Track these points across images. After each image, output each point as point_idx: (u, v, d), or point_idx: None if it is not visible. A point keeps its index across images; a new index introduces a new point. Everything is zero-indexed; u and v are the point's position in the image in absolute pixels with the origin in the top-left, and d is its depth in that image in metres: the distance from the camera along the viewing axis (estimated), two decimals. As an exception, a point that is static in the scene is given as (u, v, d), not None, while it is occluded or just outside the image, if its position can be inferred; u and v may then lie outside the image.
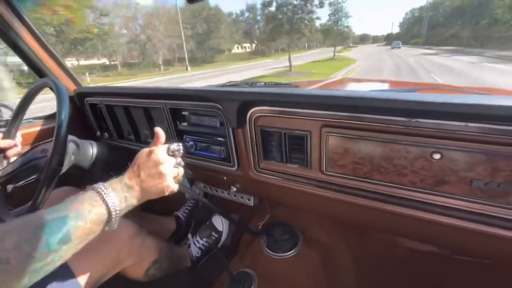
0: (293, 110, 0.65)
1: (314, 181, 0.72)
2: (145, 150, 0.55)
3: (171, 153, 0.56)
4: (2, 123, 1.01)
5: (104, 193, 0.45)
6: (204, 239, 1.06)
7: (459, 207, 0.54)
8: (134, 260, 0.78)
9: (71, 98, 1.16)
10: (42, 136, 1.09)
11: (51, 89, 1.07)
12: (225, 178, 0.94)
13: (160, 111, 0.92)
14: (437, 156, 0.52)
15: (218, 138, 0.86)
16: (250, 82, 1.07)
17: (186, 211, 1.23)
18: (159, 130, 0.57)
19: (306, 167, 0.71)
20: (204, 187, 1.11)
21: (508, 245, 0.56)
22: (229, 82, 1.16)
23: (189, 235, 1.09)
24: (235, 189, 0.95)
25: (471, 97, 0.48)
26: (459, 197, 0.54)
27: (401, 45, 48.94)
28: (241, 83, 1.11)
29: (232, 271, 0.91)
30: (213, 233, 1.10)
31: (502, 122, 0.45)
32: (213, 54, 36.35)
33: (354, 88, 1.41)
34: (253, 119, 0.73)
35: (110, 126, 1.13)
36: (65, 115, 0.63)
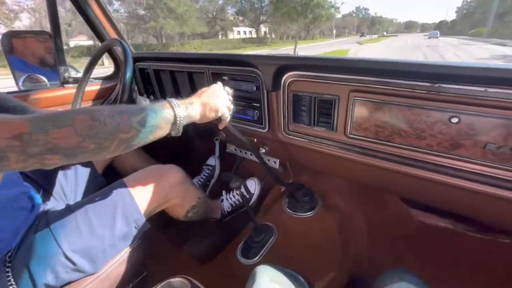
0: (325, 75, 0.72)
1: (338, 143, 0.79)
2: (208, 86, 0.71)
3: (225, 90, 0.72)
4: (71, 80, 1.19)
5: (172, 102, 0.58)
6: (237, 197, 1.21)
7: (472, 170, 0.60)
8: (178, 201, 0.92)
9: (124, 62, 1.32)
10: (101, 94, 1.26)
11: (109, 52, 1.23)
12: (255, 140, 1.04)
13: (202, 76, 1.02)
14: (455, 120, 0.57)
15: (253, 103, 0.96)
16: (286, 54, 1.14)
17: (202, 178, 1.42)
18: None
19: (332, 130, 0.78)
20: (235, 149, 1.23)
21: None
22: (268, 54, 1.24)
23: (223, 192, 1.24)
24: (264, 151, 1.05)
25: (493, 64, 0.52)
26: (472, 160, 0.59)
27: (438, 35, 47.17)
28: (276, 54, 1.18)
29: (257, 222, 1.04)
30: (245, 193, 1.24)
31: None
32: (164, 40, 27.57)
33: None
34: (287, 84, 0.81)
35: (155, 89, 1.27)
36: (130, 68, 0.76)
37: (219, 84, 0.74)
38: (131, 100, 0.83)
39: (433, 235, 1.04)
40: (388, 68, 0.61)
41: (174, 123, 0.57)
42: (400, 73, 0.60)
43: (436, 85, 0.57)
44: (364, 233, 1.07)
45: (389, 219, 1.10)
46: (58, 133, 0.39)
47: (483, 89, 0.53)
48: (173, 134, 0.59)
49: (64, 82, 1.18)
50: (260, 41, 39.87)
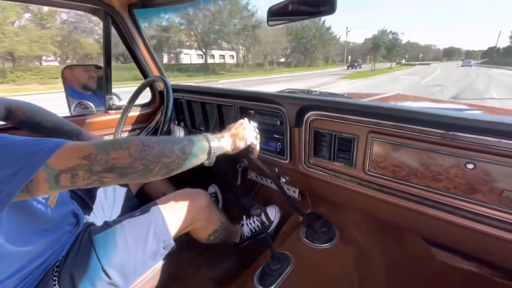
0: (345, 116, 0.79)
1: (356, 179, 0.83)
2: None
3: (251, 124, 0.81)
4: (114, 107, 1.34)
5: (208, 136, 0.66)
6: (257, 223, 1.25)
7: (489, 215, 0.61)
8: (203, 224, 0.98)
9: (160, 93, 1.47)
10: (140, 119, 1.41)
11: (150, 86, 1.38)
12: (276, 170, 1.10)
13: (230, 109, 1.13)
14: (470, 166, 0.60)
15: (276, 135, 1.03)
16: (307, 91, 1.23)
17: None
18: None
19: (351, 166, 0.83)
20: (256, 176, 1.29)
21: None
22: (287, 89, 1.33)
23: (244, 217, 1.30)
24: (284, 180, 1.11)
25: (505, 118, 0.56)
26: (489, 205, 0.60)
27: (472, 64, 46.53)
28: (298, 91, 1.27)
29: (275, 250, 1.07)
30: (265, 220, 1.28)
31: None
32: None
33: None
34: (309, 121, 0.88)
35: (186, 117, 1.39)
36: (171, 104, 0.87)
37: (245, 119, 0.82)
38: (169, 130, 0.94)
39: (456, 277, 1.00)
40: (402, 115, 0.67)
41: (209, 153, 0.65)
42: (414, 120, 0.65)
43: (450, 132, 0.61)
44: (383, 270, 1.05)
45: (410, 257, 1.08)
46: (116, 154, 0.48)
47: (496, 139, 0.56)
48: (207, 163, 0.67)
49: (109, 109, 1.34)
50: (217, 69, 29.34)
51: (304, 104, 0.86)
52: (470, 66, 43.53)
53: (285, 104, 0.91)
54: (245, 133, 0.76)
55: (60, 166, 0.44)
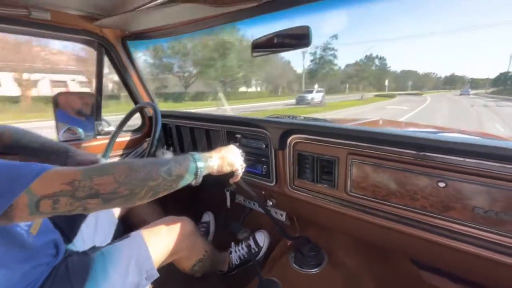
0: (326, 139, 0.83)
1: (339, 200, 0.85)
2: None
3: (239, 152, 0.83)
4: (103, 132, 1.36)
5: (194, 155, 0.67)
6: (245, 250, 1.22)
7: (464, 232, 0.63)
8: (187, 253, 0.96)
9: (150, 118, 1.50)
10: (129, 145, 1.42)
11: (141, 113, 1.41)
12: (263, 192, 1.11)
13: (218, 133, 1.16)
14: (442, 185, 0.63)
15: (261, 158, 1.06)
16: (292, 116, 1.28)
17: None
18: None
19: (333, 187, 0.85)
20: (244, 200, 1.29)
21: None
22: (273, 115, 1.39)
23: (232, 244, 1.26)
24: (271, 203, 1.11)
25: (469, 138, 0.61)
26: (463, 222, 0.63)
27: (470, 92, 45.70)
28: (283, 116, 1.33)
29: (262, 278, 1.04)
30: (254, 246, 1.25)
31: (494, 159, 0.57)
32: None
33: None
34: (292, 144, 0.91)
35: (175, 142, 1.41)
36: (159, 128, 0.90)
37: (234, 145, 0.84)
38: (155, 153, 0.95)
39: None
40: (376, 137, 0.71)
41: (196, 173, 0.65)
42: (388, 141, 0.70)
43: (421, 153, 0.65)
44: (373, 296, 1.03)
45: (399, 281, 1.07)
46: (100, 180, 0.48)
47: (462, 159, 0.60)
48: (194, 184, 0.67)
49: (98, 134, 1.35)
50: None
51: (287, 128, 0.90)
52: (469, 94, 41.58)
53: (269, 128, 0.95)
54: (233, 158, 0.78)
55: (41, 192, 0.44)
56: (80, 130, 1.41)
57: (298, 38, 0.78)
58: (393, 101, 27.60)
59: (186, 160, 0.64)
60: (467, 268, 0.74)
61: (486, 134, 1.29)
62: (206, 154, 0.71)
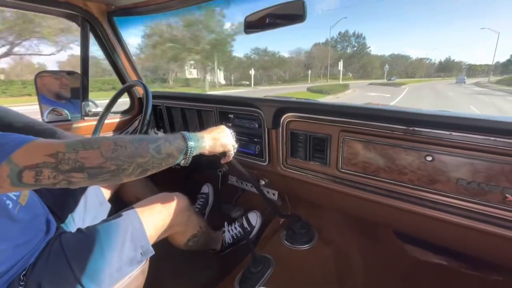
0: (318, 116, 0.83)
1: (331, 177, 0.87)
2: None
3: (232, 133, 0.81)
4: (91, 113, 1.32)
5: (185, 135, 0.65)
6: (238, 229, 1.25)
7: (448, 203, 0.67)
8: (181, 229, 0.97)
9: (139, 99, 1.46)
10: (119, 126, 1.38)
11: (129, 93, 1.37)
12: (256, 172, 1.12)
13: (210, 113, 1.15)
14: (429, 159, 0.66)
15: (255, 138, 1.06)
16: (284, 97, 1.28)
17: (197, 207, 1.46)
18: None
19: (325, 165, 0.87)
20: (236, 181, 1.30)
21: (494, 242, 0.67)
22: (266, 96, 1.39)
23: (225, 223, 1.28)
24: (264, 183, 1.13)
25: (455, 112, 0.63)
26: (448, 194, 0.66)
27: (465, 80, 40.92)
28: (276, 97, 1.33)
29: (255, 253, 1.07)
30: (246, 226, 1.28)
31: (478, 132, 0.59)
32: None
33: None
34: (285, 123, 0.92)
35: (166, 124, 1.39)
36: (150, 108, 0.88)
37: (228, 125, 0.83)
38: (146, 133, 0.93)
39: (428, 271, 1.05)
40: (369, 113, 0.73)
41: (185, 153, 0.63)
42: (379, 117, 0.71)
43: (411, 128, 0.67)
44: (361, 269, 1.08)
45: (385, 255, 1.13)
46: (86, 153, 0.46)
47: (448, 132, 0.63)
48: (182, 163, 0.66)
49: (85, 115, 1.31)
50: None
51: (281, 106, 0.90)
52: (464, 82, 37.69)
53: (263, 107, 0.95)
54: (226, 140, 0.76)
55: (24, 162, 0.43)
56: (66, 111, 1.37)
57: (292, 14, 0.77)
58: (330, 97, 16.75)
59: (176, 138, 0.63)
60: (450, 238, 0.79)
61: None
62: (198, 134, 0.70)
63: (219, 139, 0.75)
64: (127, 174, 0.52)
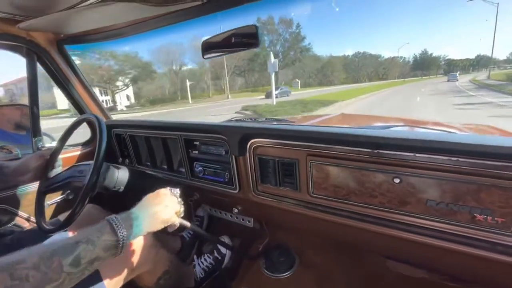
0: (284, 141, 0.80)
1: (303, 202, 0.83)
2: (153, 192, 0.68)
3: (172, 194, 0.71)
4: (44, 149, 1.20)
5: (114, 223, 0.53)
6: (209, 261, 1.15)
7: (419, 224, 0.65)
8: (149, 268, 0.86)
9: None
10: (81, 160, 1.28)
11: (90, 124, 1.28)
12: (227, 200, 1.06)
13: (175, 141, 1.08)
14: (397, 181, 0.64)
15: (223, 165, 1.01)
16: (253, 118, 1.25)
17: (191, 232, 1.33)
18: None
19: (296, 190, 0.83)
20: (210, 209, 1.23)
21: (468, 261, 0.65)
22: (234, 117, 1.34)
23: (195, 256, 1.18)
24: (237, 210, 1.07)
25: (418, 133, 0.61)
26: (418, 215, 0.64)
27: (458, 77, 38.70)
28: (245, 118, 1.29)
29: (230, 286, 0.99)
30: (217, 255, 1.19)
31: (441, 153, 0.58)
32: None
33: (346, 125, 1.57)
34: (252, 149, 0.87)
35: (131, 153, 1.30)
36: (104, 146, 0.80)
37: (167, 190, 0.71)
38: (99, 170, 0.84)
39: (412, 286, 1.03)
40: (334, 138, 0.70)
41: (116, 247, 0.52)
42: (344, 141, 0.69)
43: (376, 151, 0.65)
44: (344, 292, 1.04)
45: (368, 273, 1.09)
46: None
47: (412, 154, 0.61)
48: (114, 257, 0.54)
49: (38, 150, 1.19)
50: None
51: (245, 132, 0.86)
52: (457, 80, 34.90)
53: (227, 133, 0.90)
54: (166, 213, 0.64)
55: None
56: (16, 148, 1.24)
57: (248, 38, 0.74)
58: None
59: (102, 233, 0.51)
60: (425, 257, 0.77)
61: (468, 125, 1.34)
62: (131, 215, 0.58)
63: (159, 216, 0.63)
64: None
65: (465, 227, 0.59)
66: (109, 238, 0.52)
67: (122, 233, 0.53)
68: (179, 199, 0.73)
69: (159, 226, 0.64)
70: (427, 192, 0.61)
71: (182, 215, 0.73)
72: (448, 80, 36.93)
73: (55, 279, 0.42)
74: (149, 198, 0.66)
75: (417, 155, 0.61)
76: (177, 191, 0.73)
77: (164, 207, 0.65)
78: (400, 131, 0.65)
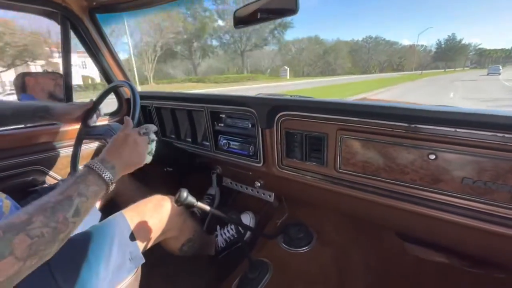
0: (314, 115, 0.79)
1: (329, 178, 0.83)
2: (120, 134, 0.67)
3: (142, 134, 0.69)
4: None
5: (95, 167, 0.56)
6: (231, 232, 1.20)
7: (452, 203, 0.63)
8: (175, 234, 0.92)
9: (127, 101, 1.40)
10: None
11: (115, 92, 1.31)
12: (250, 173, 1.08)
13: (201, 114, 1.10)
14: (432, 157, 0.62)
15: (248, 138, 1.01)
16: (278, 95, 1.24)
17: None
18: (128, 119, 0.71)
19: (323, 165, 0.83)
20: (231, 182, 1.26)
21: (499, 242, 0.64)
22: (259, 93, 1.34)
23: (218, 227, 1.23)
24: (259, 184, 1.08)
25: (459, 108, 0.59)
26: (452, 193, 0.63)
27: (501, 70, 34.32)
28: (270, 95, 1.28)
29: (252, 258, 1.03)
30: (240, 228, 1.23)
31: (485, 128, 0.56)
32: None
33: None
34: (279, 122, 0.87)
35: (156, 125, 1.33)
36: (138, 108, 0.82)
37: (135, 130, 0.68)
38: None
39: (429, 270, 1.03)
40: (368, 110, 0.68)
41: (106, 190, 0.57)
42: (379, 114, 0.67)
43: (413, 125, 0.64)
44: (361, 270, 1.05)
45: (385, 254, 1.10)
46: None
47: (453, 129, 0.59)
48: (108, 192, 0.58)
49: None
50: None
51: (274, 104, 0.85)
52: (499, 74, 31.87)
53: (256, 105, 0.90)
54: (138, 155, 0.65)
55: None
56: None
57: (284, 6, 0.72)
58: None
59: (88, 184, 0.54)
60: (454, 238, 0.76)
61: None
62: (107, 164, 0.59)
63: (132, 162, 0.64)
64: (50, 255, 0.47)
65: (503, 207, 0.57)
66: (97, 187, 0.55)
67: (107, 174, 0.57)
68: (152, 136, 0.71)
69: (133, 168, 0.65)
70: (464, 169, 0.60)
71: (153, 152, 0.71)
72: (488, 74, 32.61)
73: (64, 230, 0.48)
74: (119, 143, 0.64)
75: (458, 130, 0.58)
76: (144, 129, 0.70)
77: (135, 150, 0.65)
78: (439, 106, 0.62)
